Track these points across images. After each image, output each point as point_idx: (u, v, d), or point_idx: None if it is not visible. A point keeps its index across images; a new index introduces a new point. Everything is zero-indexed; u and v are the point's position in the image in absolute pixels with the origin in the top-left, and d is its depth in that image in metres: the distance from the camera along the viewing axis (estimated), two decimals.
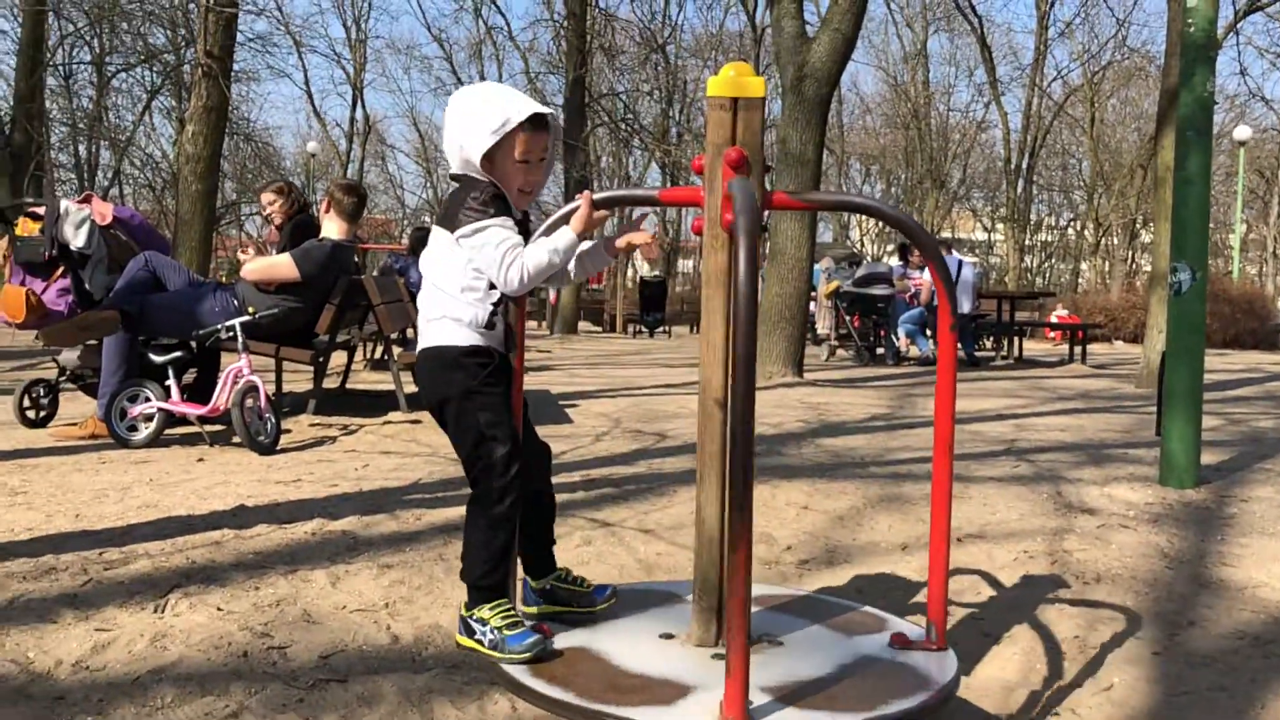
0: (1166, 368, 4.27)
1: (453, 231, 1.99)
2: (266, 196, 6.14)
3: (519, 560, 2.13)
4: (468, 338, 2.01)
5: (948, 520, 1.97)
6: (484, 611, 1.97)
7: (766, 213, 2.00)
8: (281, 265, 5.39)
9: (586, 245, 2.09)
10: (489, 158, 1.99)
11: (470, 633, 1.98)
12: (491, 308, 2.02)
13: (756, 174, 1.88)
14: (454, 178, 2.08)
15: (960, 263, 11.80)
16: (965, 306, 11.66)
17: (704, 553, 1.96)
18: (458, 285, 2.02)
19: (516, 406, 2.06)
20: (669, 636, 1.95)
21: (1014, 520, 3.60)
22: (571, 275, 2.14)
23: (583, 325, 21.85)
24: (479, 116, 1.99)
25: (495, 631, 1.93)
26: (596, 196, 2.05)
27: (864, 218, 38.28)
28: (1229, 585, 2.93)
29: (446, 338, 2.02)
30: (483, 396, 2.00)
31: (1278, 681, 2.29)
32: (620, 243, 2.08)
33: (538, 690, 1.72)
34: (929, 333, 11.91)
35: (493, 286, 2.00)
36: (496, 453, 1.98)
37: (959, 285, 11.55)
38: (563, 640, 1.95)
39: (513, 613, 1.97)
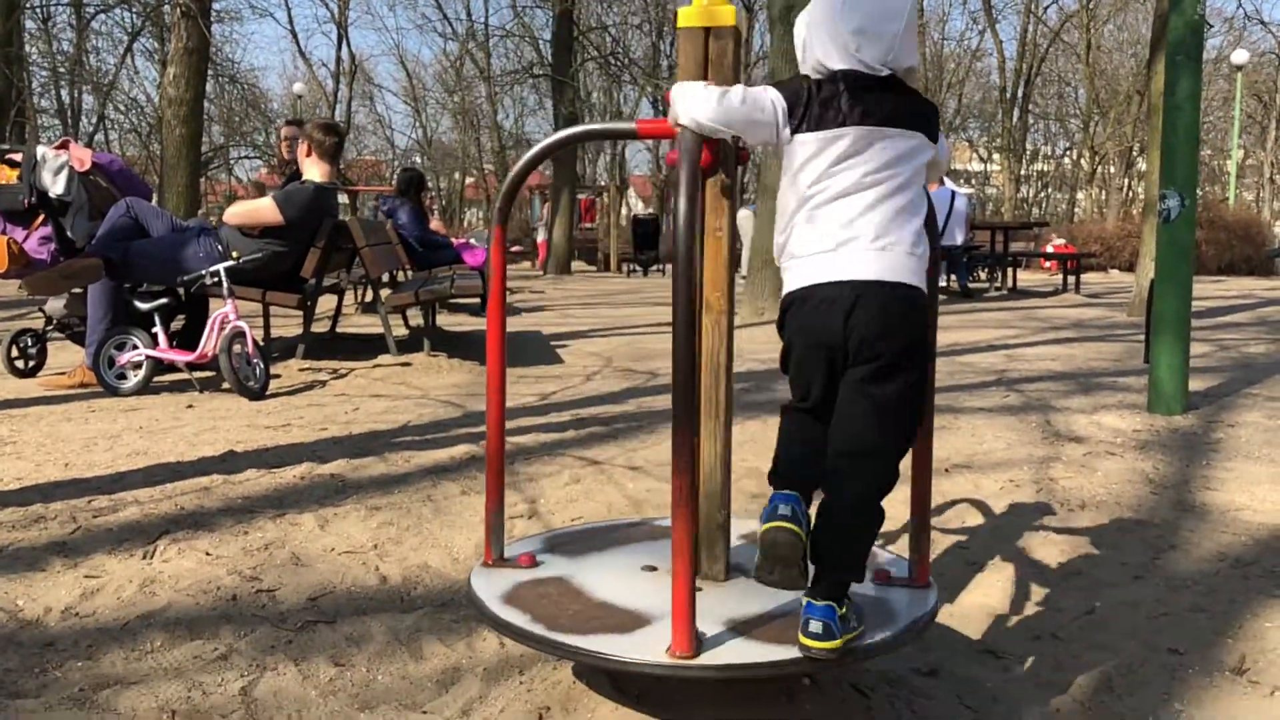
0: (1155, 295, 4.27)
1: (934, 138, 1.77)
2: (288, 131, 6.06)
3: None
4: (922, 279, 1.74)
5: (930, 455, 1.95)
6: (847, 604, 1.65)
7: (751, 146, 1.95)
8: (264, 208, 5.34)
9: None
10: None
11: (846, 625, 1.62)
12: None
13: None
14: (891, 78, 1.75)
15: (953, 193, 11.71)
16: (959, 238, 11.61)
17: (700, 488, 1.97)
18: (920, 219, 1.76)
19: None
20: (651, 569, 1.96)
21: (1001, 450, 3.62)
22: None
23: (576, 265, 21.75)
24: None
25: (855, 614, 1.67)
26: (573, 130, 2.01)
27: None
28: (1211, 509, 2.96)
29: (916, 278, 1.71)
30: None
31: (1255, 602, 2.31)
32: None
33: (510, 622, 1.73)
34: None
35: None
36: (910, 429, 1.75)
37: (952, 216, 11.49)
38: (546, 572, 1.97)
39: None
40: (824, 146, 1.72)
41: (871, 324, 1.66)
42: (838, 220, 1.71)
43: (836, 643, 1.58)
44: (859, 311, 1.67)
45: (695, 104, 1.72)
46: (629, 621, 1.72)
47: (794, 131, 1.74)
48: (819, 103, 1.73)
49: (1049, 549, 2.68)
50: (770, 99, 1.74)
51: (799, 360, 1.78)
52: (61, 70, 25.57)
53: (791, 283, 1.79)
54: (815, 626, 1.58)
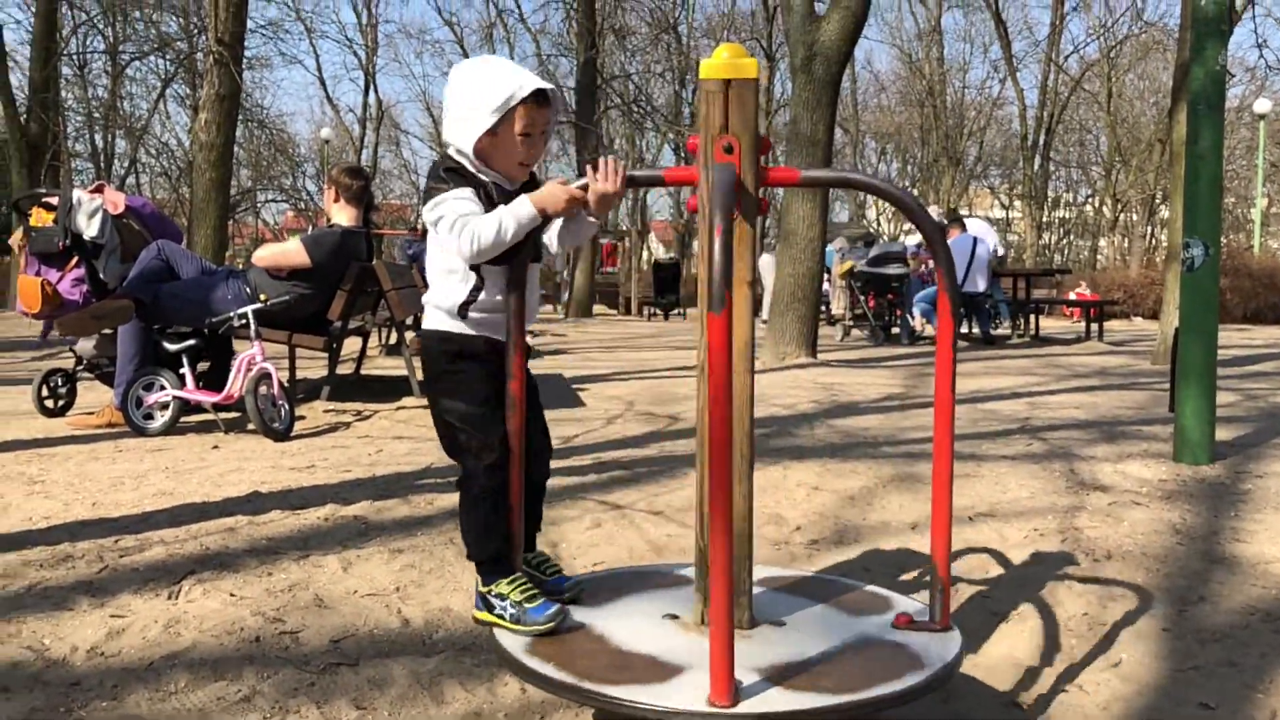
0: (1179, 344, 4.24)
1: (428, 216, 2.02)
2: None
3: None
4: (442, 323, 2.07)
5: (949, 500, 1.95)
6: (502, 586, 2.00)
7: (775, 191, 1.99)
8: (292, 252, 5.42)
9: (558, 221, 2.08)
10: (491, 132, 1.98)
11: (489, 608, 2.01)
12: (470, 291, 2.02)
13: (749, 154, 1.87)
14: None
15: (975, 241, 11.72)
16: (980, 285, 11.60)
17: (704, 534, 1.97)
18: (438, 268, 2.06)
19: (516, 392, 2.05)
20: (673, 617, 1.96)
21: (1025, 498, 3.59)
22: (553, 248, 2.14)
23: (597, 308, 21.85)
24: (481, 93, 1.97)
25: (515, 606, 1.96)
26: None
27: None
28: (1241, 561, 2.92)
29: (429, 323, 2.09)
30: (452, 381, 2.07)
31: None
32: (592, 199, 1.97)
33: (537, 670, 1.73)
34: None
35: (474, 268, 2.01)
36: (463, 440, 2.06)
37: (974, 263, 11.48)
38: (570, 618, 1.97)
39: (529, 586, 2.00)
40: None
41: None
42: None
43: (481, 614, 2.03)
44: None
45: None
46: (658, 670, 1.72)
47: None
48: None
49: (1074, 600, 2.65)
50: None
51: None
52: (96, 115, 26.14)
53: None
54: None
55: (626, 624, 1.93)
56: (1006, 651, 2.37)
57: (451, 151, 2.03)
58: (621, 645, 1.84)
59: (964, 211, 29.28)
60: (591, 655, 1.79)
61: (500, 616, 1.98)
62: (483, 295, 2.04)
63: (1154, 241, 31.67)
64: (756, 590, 2.02)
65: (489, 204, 1.98)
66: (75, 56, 24.41)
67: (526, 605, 1.95)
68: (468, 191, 1.98)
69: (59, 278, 5.27)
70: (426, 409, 5.48)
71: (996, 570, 2.90)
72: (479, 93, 1.98)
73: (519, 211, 1.94)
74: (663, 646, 1.82)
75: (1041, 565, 2.92)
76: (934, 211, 13.71)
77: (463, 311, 2.04)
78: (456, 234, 1.93)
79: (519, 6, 43.31)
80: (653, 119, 29.86)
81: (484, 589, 2.03)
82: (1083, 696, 2.12)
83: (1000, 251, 12.72)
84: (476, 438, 2.04)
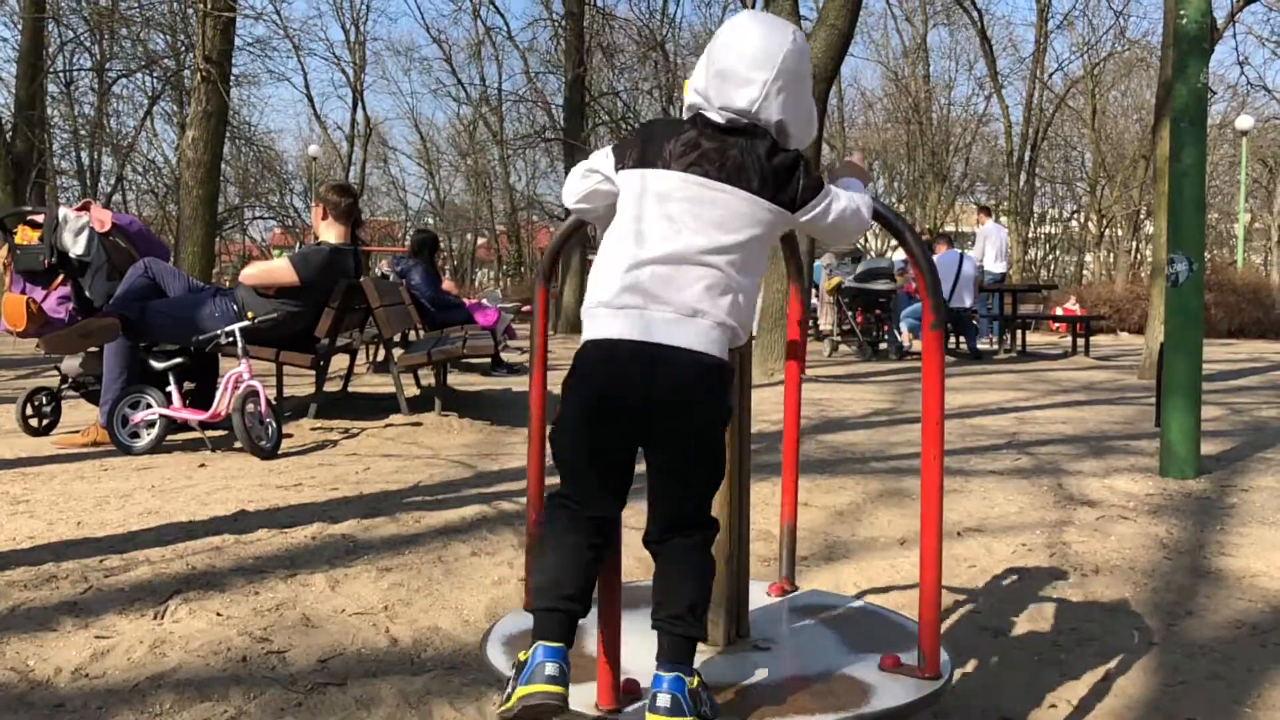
0: (1165, 359, 4.27)
1: (794, 209, 1.62)
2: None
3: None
4: (727, 347, 1.61)
5: (938, 545, 1.82)
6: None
7: None
8: (280, 269, 5.41)
9: None
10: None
11: (697, 705, 1.51)
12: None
13: None
14: (748, 128, 1.62)
15: (961, 256, 11.79)
16: (967, 300, 11.66)
17: None
18: (753, 278, 1.62)
19: None
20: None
21: (1014, 513, 3.60)
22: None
23: None
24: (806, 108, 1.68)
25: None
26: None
27: None
28: (1227, 575, 2.93)
29: (718, 348, 1.58)
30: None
31: (1275, 670, 2.29)
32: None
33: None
34: None
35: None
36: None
37: (960, 280, 11.55)
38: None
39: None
40: (641, 185, 1.60)
41: (669, 389, 1.53)
42: (630, 270, 1.57)
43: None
44: (655, 373, 1.53)
45: (566, 188, 1.75)
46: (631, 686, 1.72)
47: (618, 168, 1.66)
48: (649, 140, 1.63)
49: (1063, 614, 2.66)
50: (604, 152, 1.70)
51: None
52: (82, 132, 26.08)
53: (586, 331, 1.63)
54: (663, 700, 1.47)
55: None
56: (996, 667, 2.37)
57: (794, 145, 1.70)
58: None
59: (949, 228, 29.42)
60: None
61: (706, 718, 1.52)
62: None
63: (1139, 257, 31.86)
64: (752, 609, 2.02)
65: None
66: (62, 74, 24.37)
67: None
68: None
69: (44, 296, 5.25)
70: (414, 427, 5.51)
71: (985, 585, 2.90)
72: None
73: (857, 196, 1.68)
74: (639, 661, 1.82)
75: (1030, 580, 2.92)
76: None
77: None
78: (865, 213, 1.67)
79: (507, 24, 43.47)
80: None
81: (694, 683, 1.53)
82: (1072, 712, 2.12)
83: (1004, 267, 13.15)
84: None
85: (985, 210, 14.49)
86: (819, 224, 1.65)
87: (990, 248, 13.09)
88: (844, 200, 1.68)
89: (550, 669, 1.47)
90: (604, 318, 1.58)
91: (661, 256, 1.55)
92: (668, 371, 1.52)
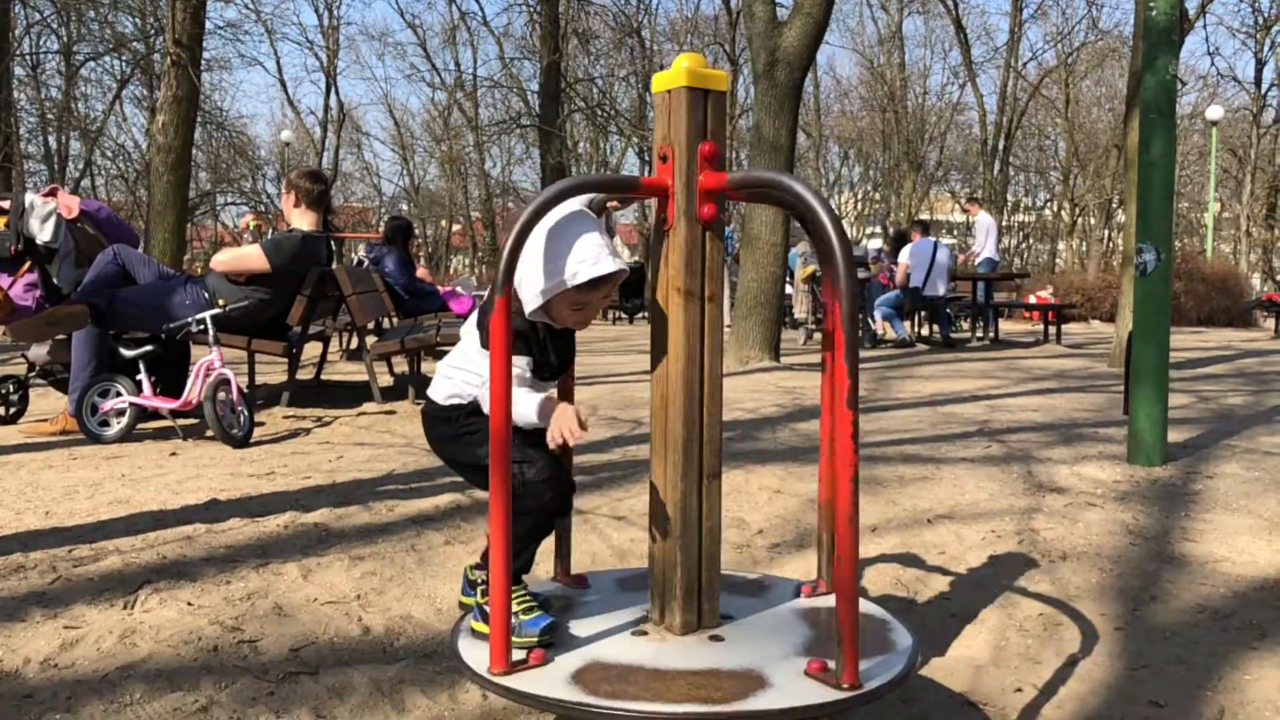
0: (1133, 348, 4.32)
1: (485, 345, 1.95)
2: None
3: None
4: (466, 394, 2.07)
5: (854, 551, 1.69)
6: None
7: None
8: (251, 256, 5.37)
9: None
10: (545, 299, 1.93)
11: (488, 619, 1.89)
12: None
13: (683, 164, 1.86)
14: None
15: (935, 245, 11.85)
16: (941, 289, 11.73)
17: (658, 537, 1.98)
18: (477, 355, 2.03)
19: None
20: (637, 620, 1.97)
21: (984, 500, 3.64)
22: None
23: None
24: (541, 269, 1.89)
25: (514, 617, 1.87)
26: (569, 182, 2.00)
27: (844, 199, 38.37)
28: (1191, 560, 2.98)
29: (448, 396, 2.10)
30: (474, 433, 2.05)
31: (1234, 654, 2.33)
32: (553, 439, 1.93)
33: (490, 678, 1.75)
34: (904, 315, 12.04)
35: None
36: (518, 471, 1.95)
37: (934, 268, 11.62)
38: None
39: (529, 599, 1.95)
40: None
41: None
42: None
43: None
44: None
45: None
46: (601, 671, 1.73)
47: None
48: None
49: (1031, 600, 2.69)
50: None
51: None
52: (50, 116, 25.69)
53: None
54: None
55: (586, 628, 1.94)
56: (963, 652, 2.40)
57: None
58: (580, 650, 1.85)
59: (924, 216, 29.57)
60: (551, 661, 1.79)
61: None
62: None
63: (1111, 245, 32.16)
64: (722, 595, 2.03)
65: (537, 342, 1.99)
66: (28, 56, 23.98)
67: (524, 617, 1.89)
68: (525, 360, 1.96)
69: (11, 283, 5.18)
70: (388, 415, 5.49)
71: (955, 572, 2.93)
72: (539, 267, 1.89)
73: (529, 411, 1.92)
74: (613, 649, 1.83)
75: (999, 566, 2.96)
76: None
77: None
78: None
79: (482, 9, 43.18)
80: (616, 123, 29.89)
81: (482, 600, 1.96)
82: (1038, 696, 2.16)
83: (995, 257, 13.42)
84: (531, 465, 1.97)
85: (975, 201, 15.03)
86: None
87: (989, 237, 13.45)
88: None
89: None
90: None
91: None
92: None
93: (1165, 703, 2.10)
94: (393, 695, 2.13)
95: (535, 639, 1.85)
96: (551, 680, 1.71)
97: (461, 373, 2.07)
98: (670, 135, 1.87)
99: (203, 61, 13.61)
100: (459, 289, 9.68)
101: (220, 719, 2.01)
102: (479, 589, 2.03)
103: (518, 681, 1.71)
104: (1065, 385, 7.28)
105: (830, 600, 2.11)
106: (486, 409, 1.81)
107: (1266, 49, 30.10)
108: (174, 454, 4.59)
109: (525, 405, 1.93)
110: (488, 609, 1.83)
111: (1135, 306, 4.31)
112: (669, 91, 1.87)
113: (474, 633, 1.94)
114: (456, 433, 2.07)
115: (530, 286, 1.90)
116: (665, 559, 1.94)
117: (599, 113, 28.62)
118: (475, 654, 1.82)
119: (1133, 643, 2.41)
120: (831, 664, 1.71)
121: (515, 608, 1.89)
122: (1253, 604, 2.65)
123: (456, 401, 2.07)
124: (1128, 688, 2.17)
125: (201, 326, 4.96)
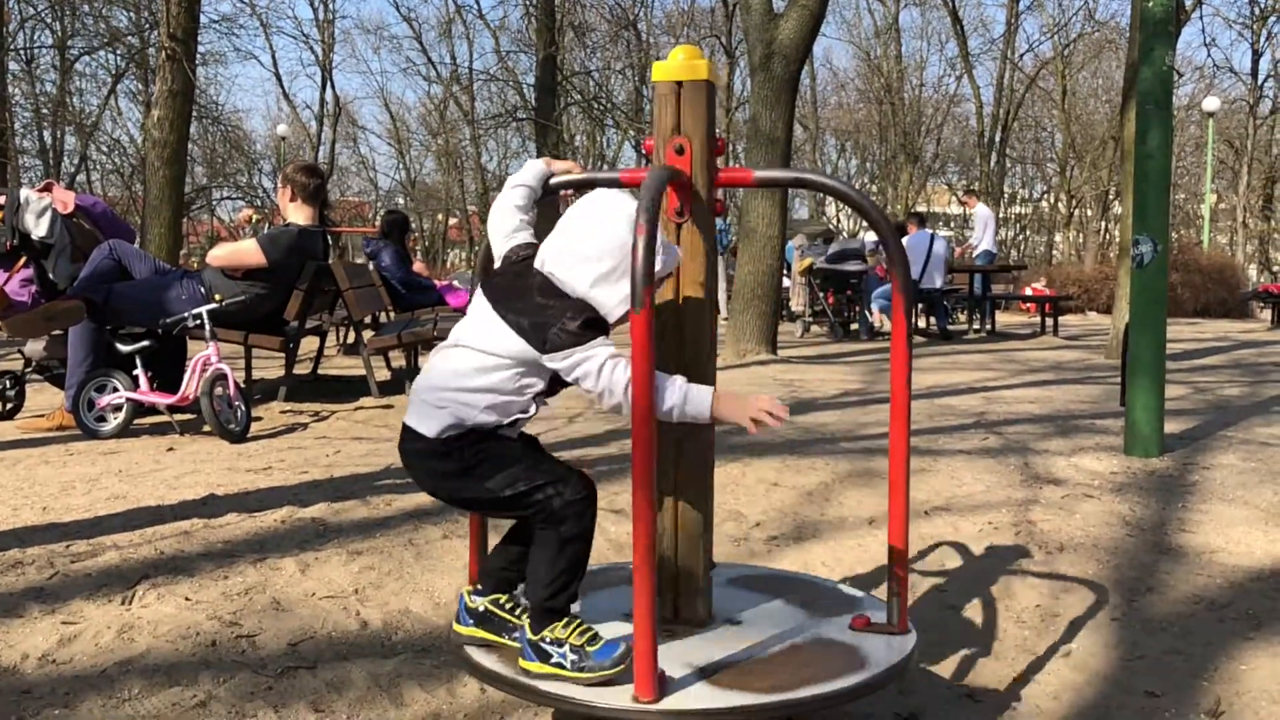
0: (1130, 339, 4.33)
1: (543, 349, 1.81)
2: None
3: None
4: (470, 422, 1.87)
5: (906, 503, 1.93)
6: (558, 631, 1.77)
7: (735, 190, 2.01)
8: (248, 251, 5.36)
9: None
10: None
11: (544, 657, 1.77)
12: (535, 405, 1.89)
13: (702, 155, 1.88)
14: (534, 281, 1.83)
15: (932, 237, 11.85)
16: (938, 281, 11.73)
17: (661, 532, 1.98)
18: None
19: None
20: (629, 616, 1.97)
21: (981, 492, 3.65)
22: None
23: None
24: (623, 281, 1.76)
25: (576, 651, 1.75)
26: (557, 179, 2.05)
27: None
28: (1188, 551, 2.99)
29: (448, 428, 1.87)
30: (487, 461, 1.88)
31: (1231, 645, 2.34)
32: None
33: (488, 668, 1.75)
34: None
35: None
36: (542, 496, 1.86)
37: (931, 260, 11.62)
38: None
39: (586, 626, 1.79)
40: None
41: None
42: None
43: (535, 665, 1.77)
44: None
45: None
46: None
47: None
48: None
49: (1028, 592, 2.70)
50: None
51: None
52: (44, 111, 25.61)
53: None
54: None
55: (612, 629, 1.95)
56: (962, 644, 2.41)
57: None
58: None
59: (921, 208, 29.55)
60: None
61: (560, 665, 1.74)
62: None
63: (1108, 237, 32.16)
64: (716, 587, 2.03)
65: None
66: (22, 50, 23.89)
67: (589, 649, 1.74)
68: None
69: (6, 278, 5.17)
70: (385, 409, 5.49)
71: (952, 563, 2.94)
72: (619, 277, 1.77)
73: (701, 402, 1.76)
74: (679, 648, 1.83)
75: (996, 558, 2.96)
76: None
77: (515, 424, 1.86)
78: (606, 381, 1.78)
79: (478, 2, 42.91)
80: (613, 116, 29.85)
81: (535, 636, 1.78)
82: (1035, 687, 2.16)
83: (993, 249, 13.49)
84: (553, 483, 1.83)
85: (973, 193, 15.08)
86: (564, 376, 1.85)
87: (987, 230, 13.53)
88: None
89: None
90: None
91: None
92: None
93: (1162, 693, 2.11)
94: (391, 689, 2.13)
95: (609, 669, 1.71)
96: (700, 692, 1.65)
97: (457, 396, 1.83)
98: (688, 128, 1.89)
99: (198, 56, 13.58)
100: (456, 283, 9.67)
101: (219, 714, 2.01)
102: (505, 616, 1.89)
103: (676, 701, 1.62)
104: (1062, 377, 7.29)
105: (757, 569, 2.37)
106: (627, 411, 1.65)
107: (1263, 40, 30.07)
108: (171, 449, 4.59)
109: (696, 397, 1.74)
110: (544, 645, 1.75)
111: (1132, 298, 4.32)
112: (680, 84, 1.89)
113: (528, 674, 1.77)
114: (465, 467, 1.83)
115: (615, 293, 1.77)
116: (688, 555, 1.95)
117: (595, 106, 28.57)
118: (610, 696, 1.66)
119: (1129, 633, 2.41)
120: (871, 617, 1.94)
121: (577, 640, 1.75)
122: (1249, 594, 2.65)
123: (455, 433, 1.83)
124: (1124, 678, 2.18)
125: (198, 321, 4.95)
